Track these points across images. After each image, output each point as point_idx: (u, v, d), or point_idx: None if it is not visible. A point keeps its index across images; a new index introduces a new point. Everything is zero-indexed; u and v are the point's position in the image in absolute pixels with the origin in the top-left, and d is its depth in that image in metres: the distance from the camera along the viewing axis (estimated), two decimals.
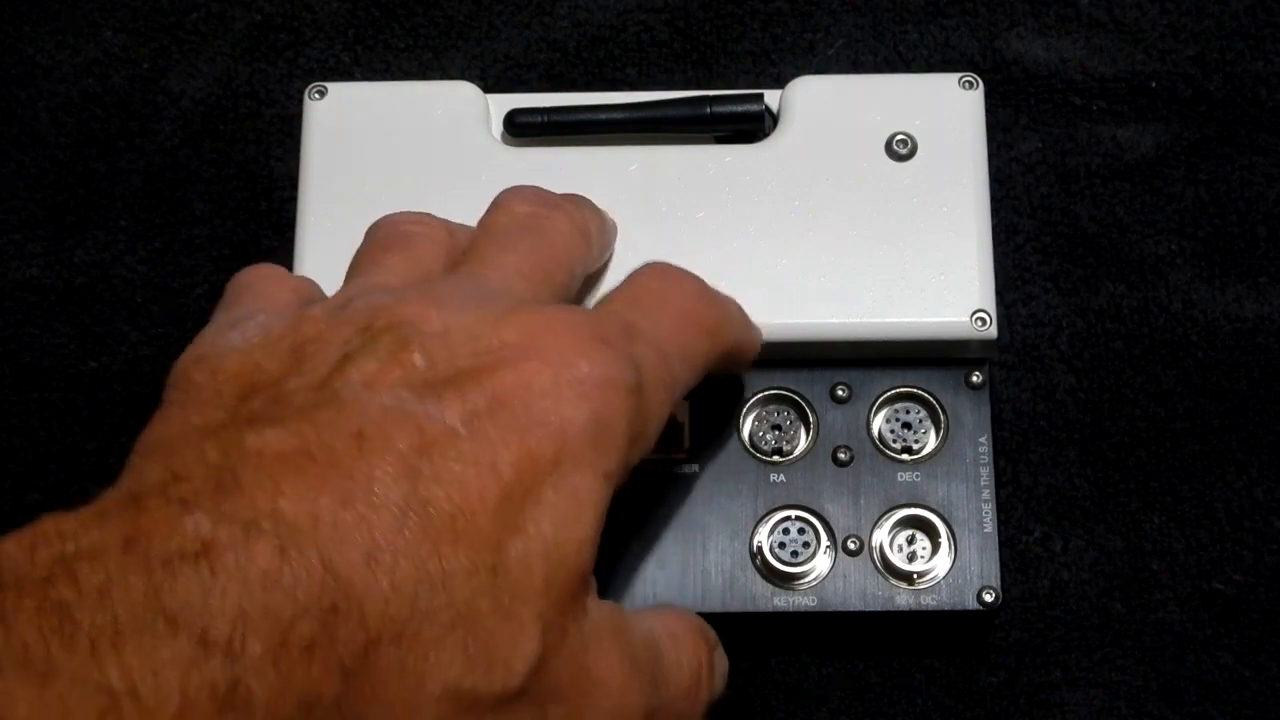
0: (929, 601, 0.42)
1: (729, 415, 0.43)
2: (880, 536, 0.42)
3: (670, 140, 0.45)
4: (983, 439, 0.43)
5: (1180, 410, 0.47)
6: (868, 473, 0.43)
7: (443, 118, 0.45)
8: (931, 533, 0.42)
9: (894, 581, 0.42)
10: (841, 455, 0.43)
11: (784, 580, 0.42)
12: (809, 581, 0.42)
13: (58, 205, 0.51)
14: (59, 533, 0.27)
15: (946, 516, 0.42)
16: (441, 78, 0.52)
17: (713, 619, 0.42)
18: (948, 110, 0.45)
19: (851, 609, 0.42)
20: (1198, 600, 0.45)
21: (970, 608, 0.42)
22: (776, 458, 0.43)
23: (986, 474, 0.43)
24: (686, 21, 0.52)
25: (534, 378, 0.31)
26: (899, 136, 0.44)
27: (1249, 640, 0.45)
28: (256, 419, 0.30)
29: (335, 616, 0.27)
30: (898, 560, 0.42)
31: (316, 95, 0.46)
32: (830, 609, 0.42)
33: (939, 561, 0.42)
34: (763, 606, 0.42)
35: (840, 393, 0.43)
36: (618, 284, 0.37)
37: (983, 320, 0.43)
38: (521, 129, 0.45)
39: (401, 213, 0.39)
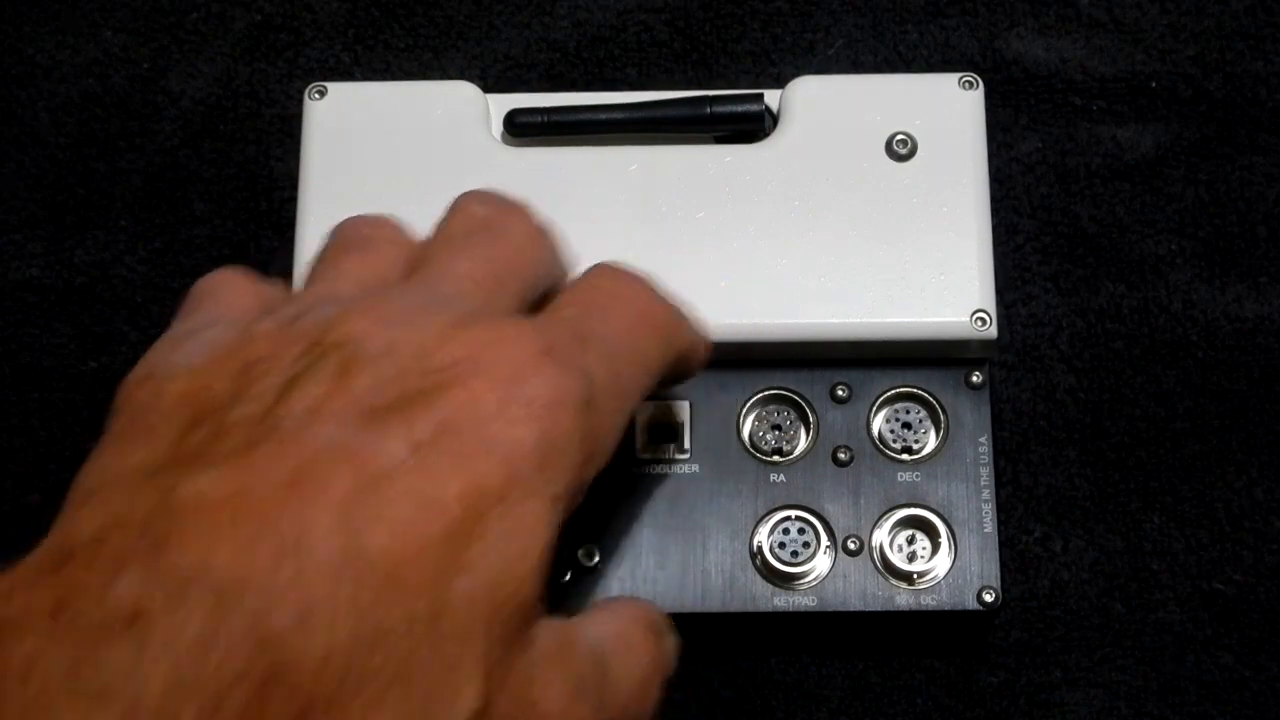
0: (929, 601, 0.42)
1: (729, 415, 0.43)
2: (880, 536, 0.42)
3: (670, 140, 0.45)
4: (983, 439, 0.43)
5: (1180, 410, 0.47)
6: (868, 473, 0.43)
7: (443, 118, 0.45)
8: (931, 533, 0.42)
9: (894, 581, 0.42)
10: (841, 455, 0.43)
11: (784, 580, 0.42)
12: (809, 581, 0.42)
13: (58, 205, 0.51)
14: None
15: (946, 516, 0.42)
16: (441, 78, 0.52)
17: (713, 619, 0.42)
18: (948, 110, 0.45)
19: (851, 609, 0.42)
20: (1198, 600, 0.45)
21: (970, 608, 0.42)
22: (776, 458, 0.43)
23: (986, 474, 0.43)
24: (686, 21, 0.52)
25: (481, 399, 0.30)
26: (899, 136, 0.44)
27: (1249, 640, 0.45)
28: (195, 459, 0.29)
29: (268, 685, 0.26)
30: (898, 560, 0.42)
31: (316, 95, 0.46)
32: (830, 609, 0.42)
33: (939, 561, 0.42)
34: (763, 606, 0.42)
35: (840, 393, 0.43)
36: (565, 286, 0.35)
37: (983, 320, 0.43)
38: (521, 129, 0.45)
39: (362, 215, 0.38)
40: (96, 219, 0.50)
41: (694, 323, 0.37)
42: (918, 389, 0.44)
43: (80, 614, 0.26)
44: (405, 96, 0.46)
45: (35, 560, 0.27)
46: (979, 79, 0.45)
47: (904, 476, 0.43)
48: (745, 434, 0.43)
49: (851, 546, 0.42)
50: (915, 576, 0.42)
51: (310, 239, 0.44)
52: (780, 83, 0.47)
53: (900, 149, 0.44)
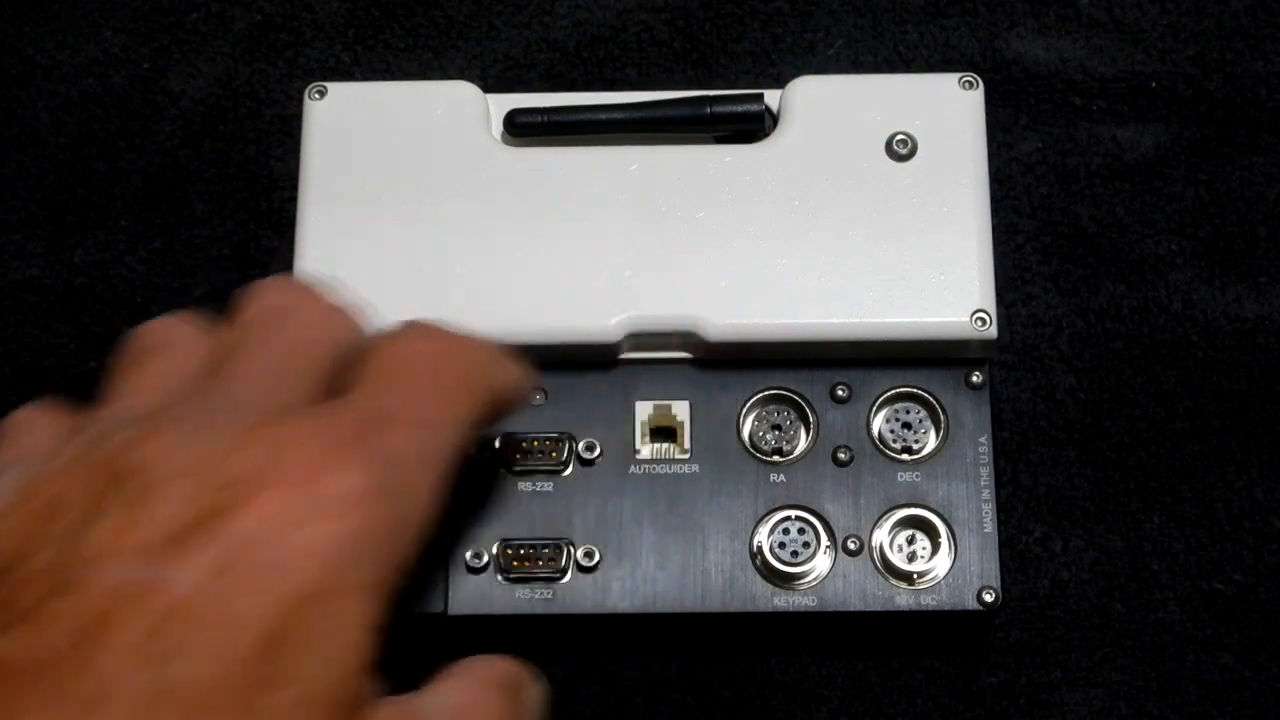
0: (929, 601, 0.42)
1: (729, 415, 0.43)
2: (880, 536, 0.42)
3: (670, 140, 0.45)
4: (983, 439, 0.43)
5: (1180, 410, 0.47)
6: (868, 473, 0.43)
7: (443, 118, 0.45)
8: (931, 533, 0.42)
9: (894, 581, 0.42)
10: (841, 455, 0.43)
11: (784, 580, 0.42)
12: (809, 581, 0.42)
13: (58, 205, 0.51)
14: None
15: (946, 516, 0.42)
16: (441, 78, 0.52)
17: (713, 619, 0.42)
18: (948, 110, 0.45)
19: (851, 609, 0.42)
20: (1198, 600, 0.45)
21: (970, 608, 0.42)
22: (776, 458, 0.43)
23: (986, 474, 0.43)
24: (686, 21, 0.52)
25: (280, 509, 0.29)
26: (899, 136, 0.44)
27: (1249, 640, 0.45)
28: None
29: None
30: (898, 560, 0.42)
31: (316, 95, 0.46)
32: (830, 609, 0.42)
33: (939, 561, 0.42)
34: (763, 606, 0.42)
35: (840, 393, 0.43)
36: (358, 358, 0.34)
37: (983, 320, 0.43)
38: (521, 129, 0.45)
39: (158, 319, 0.36)
40: (96, 219, 0.50)
41: (501, 360, 0.36)
42: (918, 389, 0.44)
43: None
44: (405, 96, 0.46)
45: None
46: (979, 79, 0.45)
47: (904, 476, 0.43)
48: (745, 434, 0.43)
49: (851, 546, 0.42)
50: (915, 576, 0.42)
51: (310, 239, 0.44)
52: (780, 83, 0.47)
53: (900, 149, 0.44)
